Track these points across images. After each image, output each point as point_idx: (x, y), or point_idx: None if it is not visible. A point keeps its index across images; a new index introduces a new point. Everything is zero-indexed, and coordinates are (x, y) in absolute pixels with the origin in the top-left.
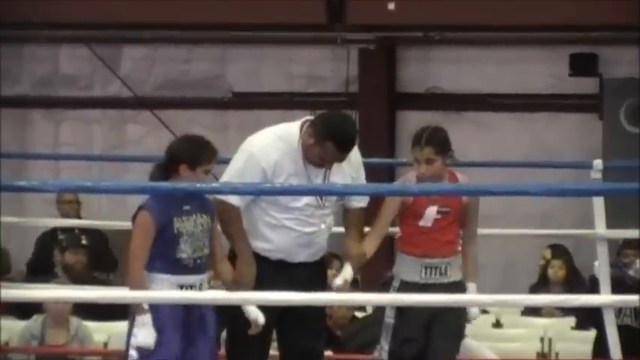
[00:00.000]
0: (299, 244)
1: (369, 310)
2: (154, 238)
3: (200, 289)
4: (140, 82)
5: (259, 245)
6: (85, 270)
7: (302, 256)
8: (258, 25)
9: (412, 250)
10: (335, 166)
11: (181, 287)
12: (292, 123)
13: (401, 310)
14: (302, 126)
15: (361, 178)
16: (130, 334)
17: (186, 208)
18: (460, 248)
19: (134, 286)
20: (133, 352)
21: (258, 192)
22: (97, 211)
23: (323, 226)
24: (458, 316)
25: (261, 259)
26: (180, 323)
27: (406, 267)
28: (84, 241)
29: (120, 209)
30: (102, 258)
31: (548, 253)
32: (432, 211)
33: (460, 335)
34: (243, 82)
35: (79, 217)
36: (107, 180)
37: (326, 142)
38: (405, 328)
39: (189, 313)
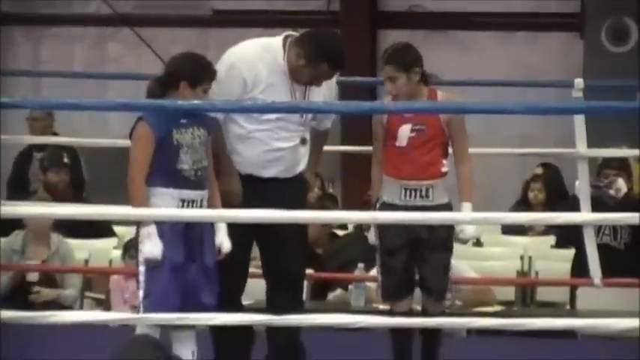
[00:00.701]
0: (268, 159)
1: (351, 229)
2: (155, 151)
3: (200, 206)
4: None
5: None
6: (68, 189)
7: (271, 171)
8: None
9: (392, 172)
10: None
11: (183, 202)
12: (273, 38)
13: (382, 230)
14: (284, 42)
15: (332, 98)
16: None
17: (183, 121)
18: (445, 170)
19: (136, 199)
20: (141, 268)
21: (241, 109)
22: (76, 130)
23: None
24: (444, 240)
25: None
26: (182, 239)
27: (387, 188)
28: (65, 159)
29: (100, 128)
30: (76, 176)
31: (539, 170)
32: (405, 130)
33: (448, 256)
34: None
35: (54, 134)
36: (89, 98)
37: (320, 64)
38: (388, 245)
39: (190, 229)
